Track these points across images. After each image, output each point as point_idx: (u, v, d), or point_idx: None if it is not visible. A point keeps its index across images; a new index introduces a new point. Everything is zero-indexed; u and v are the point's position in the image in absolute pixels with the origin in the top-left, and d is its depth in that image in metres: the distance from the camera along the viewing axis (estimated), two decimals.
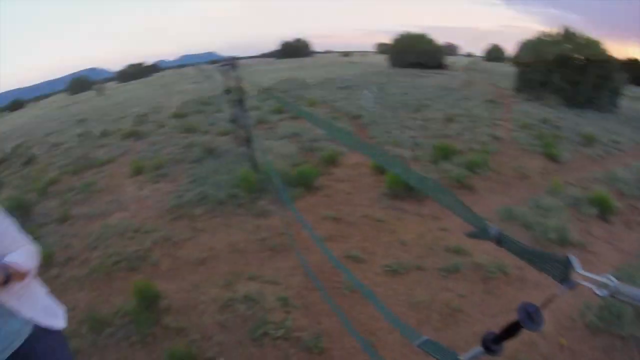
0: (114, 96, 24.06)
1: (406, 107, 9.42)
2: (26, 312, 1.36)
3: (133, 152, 7.24)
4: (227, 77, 5.53)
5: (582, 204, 4.22)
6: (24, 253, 1.36)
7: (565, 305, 2.60)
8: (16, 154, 9.82)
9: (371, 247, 3.40)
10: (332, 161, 5.22)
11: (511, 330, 0.56)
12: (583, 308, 2.57)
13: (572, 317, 2.55)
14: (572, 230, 3.63)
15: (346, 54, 54.16)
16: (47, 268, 3.37)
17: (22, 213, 4.60)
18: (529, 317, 0.53)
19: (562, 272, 0.52)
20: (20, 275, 1.30)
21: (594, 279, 0.50)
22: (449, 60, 26.19)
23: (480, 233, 0.62)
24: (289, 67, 27.04)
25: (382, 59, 28.36)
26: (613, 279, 0.48)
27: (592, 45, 12.01)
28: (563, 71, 11.64)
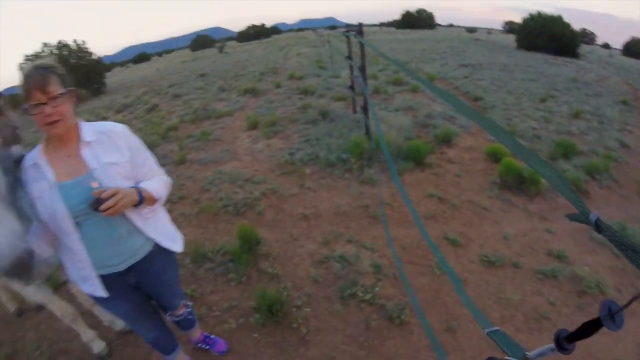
0: (234, 55, 25.47)
1: (531, 95, 8.44)
2: (150, 232, 1.53)
3: (249, 107, 7.63)
4: (349, 43, 5.52)
5: None
6: (157, 182, 1.53)
7: None
8: (141, 100, 11.08)
9: (471, 233, 3.24)
10: (445, 140, 4.98)
11: (589, 328, 0.51)
12: None
13: None
14: None
15: (471, 29, 50.32)
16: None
17: None
18: (611, 315, 0.48)
19: None
20: (151, 200, 1.46)
21: None
22: (583, 49, 22.68)
23: (581, 217, 0.58)
24: (410, 39, 26.04)
25: (510, 39, 25.80)
26: None
27: None
28: None
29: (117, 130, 1.45)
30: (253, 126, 6.15)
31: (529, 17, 22.54)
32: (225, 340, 2.33)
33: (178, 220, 3.51)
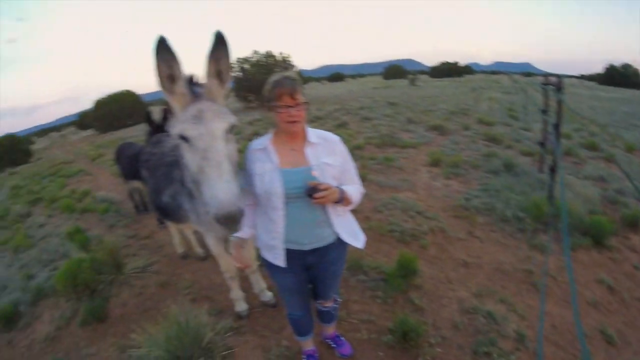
0: (425, 89, 25.42)
1: None
2: (337, 226, 1.77)
3: (434, 144, 7.73)
4: (546, 95, 5.23)
5: None
6: (355, 189, 1.77)
7: None
8: (332, 116, 12.13)
9: (631, 336, 2.81)
10: (633, 224, 4.28)
11: None
12: None
13: None
14: None
15: None
16: None
17: None
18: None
19: None
20: (347, 201, 1.70)
21: None
22: None
23: None
24: (612, 97, 21.89)
25: None
26: None
27: None
28: None
29: (335, 139, 1.76)
30: (435, 163, 6.28)
31: None
32: (352, 346, 2.49)
33: None
